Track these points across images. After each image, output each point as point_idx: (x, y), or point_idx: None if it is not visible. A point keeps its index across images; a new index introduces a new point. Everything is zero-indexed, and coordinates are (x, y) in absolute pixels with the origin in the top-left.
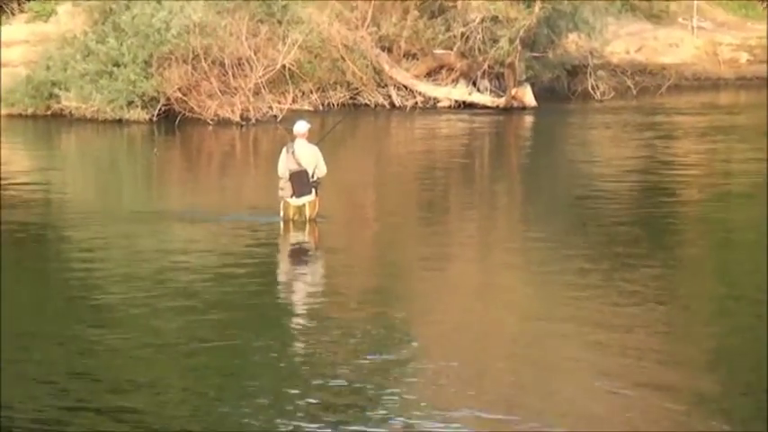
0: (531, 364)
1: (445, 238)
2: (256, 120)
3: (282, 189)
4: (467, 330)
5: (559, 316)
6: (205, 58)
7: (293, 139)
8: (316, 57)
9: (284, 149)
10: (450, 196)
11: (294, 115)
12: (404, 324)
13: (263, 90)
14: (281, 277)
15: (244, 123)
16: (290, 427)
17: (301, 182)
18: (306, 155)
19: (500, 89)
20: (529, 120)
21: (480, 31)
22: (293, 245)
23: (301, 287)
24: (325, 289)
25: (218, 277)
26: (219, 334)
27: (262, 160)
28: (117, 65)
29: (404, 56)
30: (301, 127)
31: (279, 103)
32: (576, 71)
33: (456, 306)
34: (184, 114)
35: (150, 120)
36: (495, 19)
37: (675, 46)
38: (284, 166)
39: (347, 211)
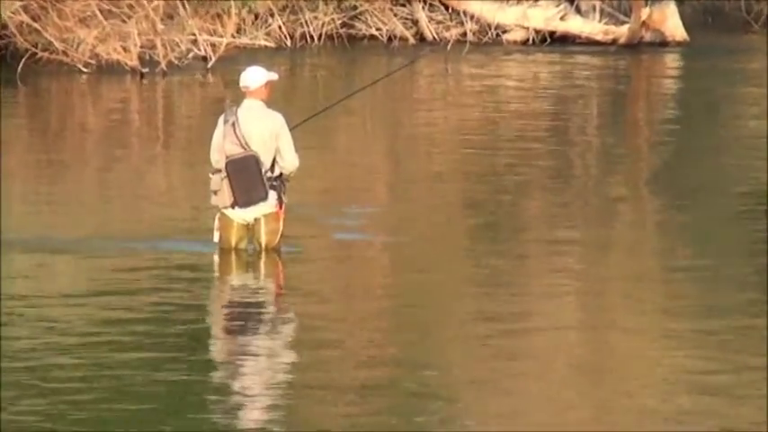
0: None
1: (531, 301)
2: (169, 65)
3: (216, 192)
4: None
5: None
6: None
7: (238, 100)
8: None
9: (221, 120)
10: (528, 215)
11: (240, 56)
12: None
13: (180, 12)
14: (216, 370)
15: (145, 71)
16: None
17: (248, 178)
18: (258, 128)
19: (620, 11)
20: (673, 64)
21: None
22: (235, 302)
23: (246, 401)
24: (293, 401)
25: (96, 363)
26: None
27: (179, 139)
28: None
29: None
30: (254, 77)
31: (210, 35)
32: None
33: None
34: (35, 55)
35: None
36: None
37: None
38: (220, 148)
39: (337, 234)
